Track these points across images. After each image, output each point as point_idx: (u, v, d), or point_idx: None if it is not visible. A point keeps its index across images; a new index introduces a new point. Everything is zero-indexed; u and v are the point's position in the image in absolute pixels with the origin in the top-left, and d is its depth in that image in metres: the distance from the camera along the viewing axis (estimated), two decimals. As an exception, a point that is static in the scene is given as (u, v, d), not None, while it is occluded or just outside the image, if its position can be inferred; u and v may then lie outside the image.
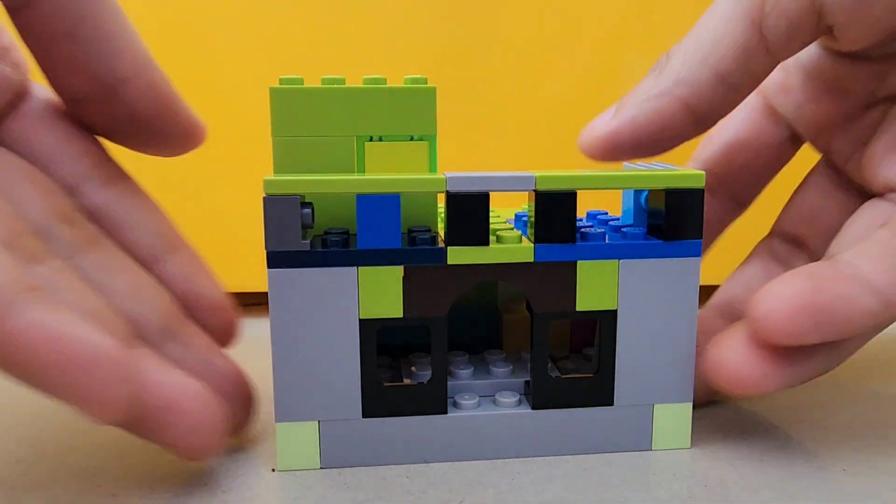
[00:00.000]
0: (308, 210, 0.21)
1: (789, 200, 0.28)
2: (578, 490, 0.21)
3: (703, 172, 0.22)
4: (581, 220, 0.25)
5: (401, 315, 0.21)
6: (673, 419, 0.23)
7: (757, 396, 0.21)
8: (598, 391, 0.23)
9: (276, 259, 0.21)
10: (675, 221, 0.22)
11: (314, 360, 0.21)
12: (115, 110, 0.23)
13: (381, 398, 0.22)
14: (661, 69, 0.23)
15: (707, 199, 0.25)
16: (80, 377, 0.16)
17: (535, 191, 0.21)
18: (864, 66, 0.25)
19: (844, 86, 0.25)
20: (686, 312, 0.22)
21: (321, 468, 0.22)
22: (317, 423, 0.22)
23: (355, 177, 0.21)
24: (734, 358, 0.21)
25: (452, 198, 0.21)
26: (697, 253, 0.22)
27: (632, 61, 0.37)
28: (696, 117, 0.23)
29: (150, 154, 0.24)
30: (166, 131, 0.23)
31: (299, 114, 0.22)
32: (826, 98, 0.26)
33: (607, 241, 0.22)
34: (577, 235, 0.22)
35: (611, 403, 0.23)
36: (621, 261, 0.22)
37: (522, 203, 0.25)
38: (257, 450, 0.24)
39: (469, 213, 0.21)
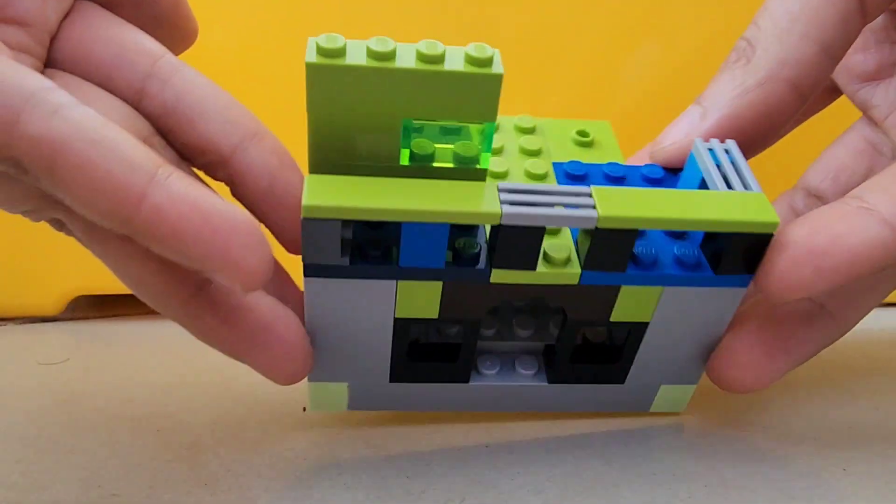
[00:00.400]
0: (349, 228, 0.19)
1: (819, 156, 0.28)
2: (578, 490, 0.21)
3: (778, 220, 0.19)
4: (623, 172, 0.23)
5: (436, 316, 0.21)
6: (675, 394, 0.24)
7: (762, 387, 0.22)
8: (614, 375, 0.23)
9: (314, 270, 0.19)
10: (733, 261, 0.20)
11: (347, 345, 0.21)
12: (142, 12, 0.23)
13: (407, 370, 0.22)
14: (747, 57, 0.22)
15: None
16: (224, 243, 0.17)
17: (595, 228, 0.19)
18: None
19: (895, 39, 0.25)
20: (717, 328, 0.22)
21: (348, 409, 0.23)
22: (346, 384, 0.22)
23: (402, 201, 0.18)
24: (731, 360, 0.21)
25: (505, 229, 0.18)
26: (745, 284, 0.20)
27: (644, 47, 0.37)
28: (802, 97, 0.22)
29: None
30: (176, 32, 0.24)
31: (340, 92, 0.19)
32: (875, 50, 0.26)
33: (656, 261, 0.20)
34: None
35: (622, 383, 0.23)
36: (665, 287, 0.21)
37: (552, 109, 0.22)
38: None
39: (520, 242, 0.19)
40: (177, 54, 0.23)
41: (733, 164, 0.21)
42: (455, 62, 0.18)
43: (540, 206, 0.18)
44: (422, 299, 0.20)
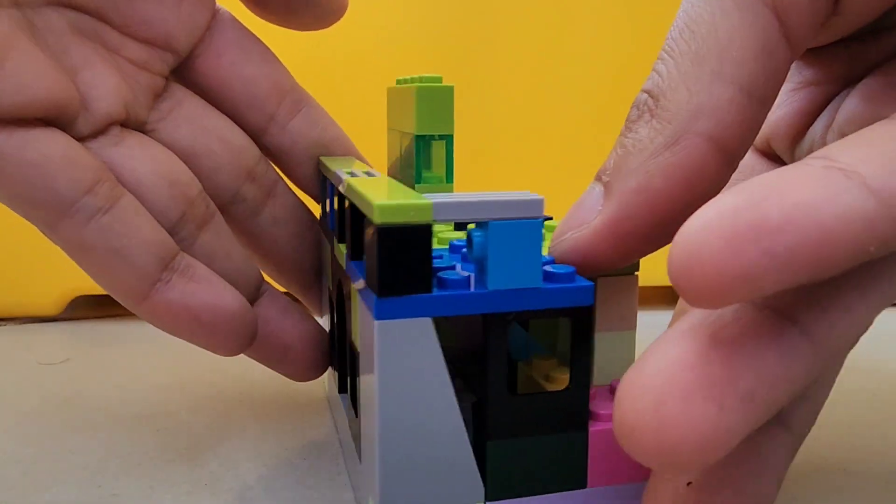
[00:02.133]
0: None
1: None
2: (578, 490, 0.21)
3: (431, 203, 0.15)
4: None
5: (331, 279, 0.24)
6: None
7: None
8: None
9: None
10: (384, 267, 0.15)
11: None
12: None
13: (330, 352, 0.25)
14: (650, 110, 0.17)
15: None
16: (207, 335, 0.22)
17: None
18: (836, 54, 0.21)
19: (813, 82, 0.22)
20: (437, 385, 0.16)
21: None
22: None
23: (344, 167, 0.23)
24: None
25: (341, 196, 0.21)
26: (424, 313, 0.15)
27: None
28: (727, 154, 0.17)
29: (300, 28, 0.26)
30: (327, 6, 0.25)
31: (389, 109, 0.26)
32: (793, 98, 0.22)
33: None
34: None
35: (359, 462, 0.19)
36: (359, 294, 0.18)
37: None
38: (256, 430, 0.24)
39: (342, 217, 0.21)
40: (322, 27, 0.26)
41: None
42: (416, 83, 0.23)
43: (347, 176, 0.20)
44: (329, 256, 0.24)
